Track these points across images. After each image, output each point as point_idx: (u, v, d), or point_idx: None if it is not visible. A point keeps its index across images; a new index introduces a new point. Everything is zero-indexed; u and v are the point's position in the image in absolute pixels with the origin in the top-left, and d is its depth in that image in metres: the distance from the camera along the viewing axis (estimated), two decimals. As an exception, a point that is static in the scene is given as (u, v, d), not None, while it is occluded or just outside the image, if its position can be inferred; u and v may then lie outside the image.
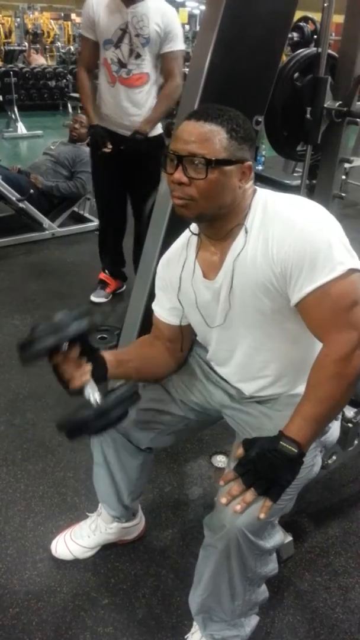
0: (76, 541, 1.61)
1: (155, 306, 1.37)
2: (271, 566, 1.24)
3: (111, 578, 1.58)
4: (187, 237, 1.26)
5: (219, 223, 1.13)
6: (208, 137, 1.03)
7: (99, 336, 2.71)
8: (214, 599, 1.23)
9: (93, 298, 3.15)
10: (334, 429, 1.31)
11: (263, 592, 1.30)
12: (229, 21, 1.51)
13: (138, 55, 2.55)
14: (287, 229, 1.06)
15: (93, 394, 1.16)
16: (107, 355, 1.27)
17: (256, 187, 1.16)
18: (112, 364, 1.26)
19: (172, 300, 1.30)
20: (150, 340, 1.40)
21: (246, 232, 1.11)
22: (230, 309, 1.18)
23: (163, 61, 2.62)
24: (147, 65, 2.58)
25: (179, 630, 1.43)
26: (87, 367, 1.19)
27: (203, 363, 1.40)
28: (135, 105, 2.64)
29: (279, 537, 1.21)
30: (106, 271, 3.20)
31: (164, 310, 1.34)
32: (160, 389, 1.40)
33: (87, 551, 1.62)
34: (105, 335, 2.72)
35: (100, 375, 1.22)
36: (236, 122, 1.06)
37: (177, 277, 1.26)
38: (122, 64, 2.56)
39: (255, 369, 1.25)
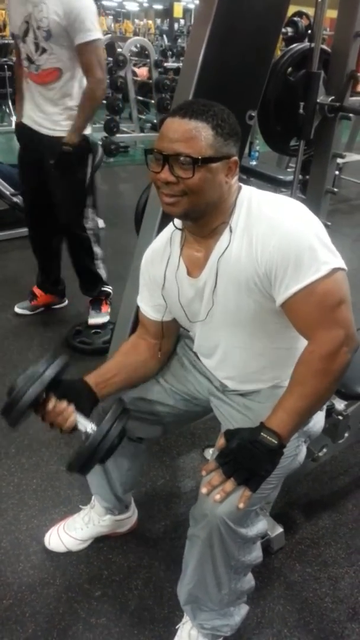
0: (69, 533, 1.62)
1: (140, 302, 1.38)
2: (255, 554, 1.26)
3: (104, 570, 1.59)
4: (170, 232, 1.26)
5: (205, 220, 1.13)
6: (193, 134, 1.02)
7: (93, 331, 2.71)
8: (200, 588, 1.24)
9: (16, 308, 2.97)
10: (319, 420, 1.33)
11: (249, 580, 1.32)
12: (223, 15, 1.51)
13: (44, 50, 2.24)
14: (271, 230, 1.06)
15: (86, 427, 1.19)
16: (92, 379, 1.30)
17: (241, 184, 1.16)
18: (99, 386, 1.29)
19: (156, 296, 1.31)
20: (135, 342, 1.40)
21: (231, 230, 1.12)
22: (212, 306, 1.19)
23: (78, 55, 2.26)
24: (56, 60, 2.25)
25: (171, 621, 1.44)
26: (70, 408, 1.21)
27: (190, 353, 1.42)
28: (50, 102, 2.35)
29: (262, 525, 1.23)
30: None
31: (148, 307, 1.35)
32: (151, 379, 1.42)
33: (80, 543, 1.63)
34: (99, 330, 2.72)
35: (87, 406, 1.25)
36: (221, 117, 1.05)
37: (161, 273, 1.27)
38: (30, 60, 2.29)
39: (238, 365, 1.28)
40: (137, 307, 1.40)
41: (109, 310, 2.83)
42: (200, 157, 1.02)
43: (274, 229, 1.06)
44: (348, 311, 1.08)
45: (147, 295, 1.34)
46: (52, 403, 1.21)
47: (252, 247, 1.08)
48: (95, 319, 2.79)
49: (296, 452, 1.26)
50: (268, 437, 1.08)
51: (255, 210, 1.11)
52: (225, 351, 1.26)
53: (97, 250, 2.70)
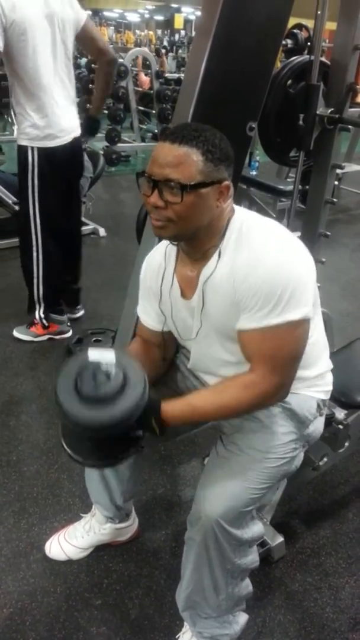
0: (70, 542, 1.62)
1: (140, 313, 1.39)
2: (251, 558, 1.27)
3: (104, 579, 1.59)
4: (165, 247, 1.28)
5: (196, 243, 1.14)
6: (183, 160, 1.03)
7: (94, 339, 2.72)
8: (198, 593, 1.25)
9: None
10: (318, 425, 1.33)
11: (246, 586, 1.32)
12: (224, 27, 1.53)
13: None
14: (253, 264, 1.07)
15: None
16: None
17: (235, 207, 1.17)
18: None
19: (155, 308, 1.32)
20: (137, 348, 1.39)
21: (219, 255, 1.13)
22: (201, 327, 1.21)
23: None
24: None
25: (172, 630, 1.44)
26: None
27: (186, 360, 1.43)
28: None
29: (257, 529, 1.25)
30: None
31: (149, 317, 1.36)
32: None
33: (81, 552, 1.63)
34: (100, 338, 2.73)
35: None
36: (212, 142, 1.05)
37: (157, 288, 1.28)
38: None
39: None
40: (137, 319, 1.41)
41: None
42: (189, 184, 1.02)
43: (255, 263, 1.07)
44: (295, 368, 1.14)
45: (148, 307, 1.35)
46: None
47: (232, 274, 1.10)
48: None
49: (292, 455, 1.26)
50: (154, 425, 1.11)
51: (243, 238, 1.11)
52: (217, 367, 1.28)
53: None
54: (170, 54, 13.10)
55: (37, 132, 2.34)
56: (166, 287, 1.26)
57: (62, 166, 2.46)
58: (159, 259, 1.29)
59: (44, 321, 2.78)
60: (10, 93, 2.39)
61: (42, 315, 2.77)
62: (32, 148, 2.36)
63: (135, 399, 1.04)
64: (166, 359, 1.40)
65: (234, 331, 1.14)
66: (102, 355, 1.09)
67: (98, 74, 2.62)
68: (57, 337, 2.81)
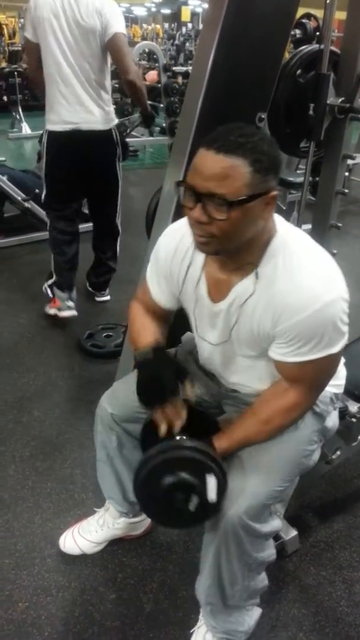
0: (84, 536, 1.63)
1: (152, 286, 1.33)
2: (268, 552, 1.27)
3: (119, 573, 1.59)
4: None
5: (234, 255, 1.08)
6: (229, 173, 0.94)
7: (105, 334, 2.73)
8: (217, 586, 1.25)
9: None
10: (333, 419, 1.33)
11: (262, 580, 1.32)
12: (232, 19, 1.52)
13: None
14: (298, 305, 1.02)
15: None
16: (159, 342, 1.30)
17: (277, 224, 1.09)
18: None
19: (173, 292, 1.29)
20: (141, 314, 1.38)
21: (257, 277, 1.08)
22: (227, 341, 1.19)
23: None
24: None
25: (186, 624, 1.44)
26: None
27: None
28: None
29: (276, 523, 1.25)
30: None
31: (162, 295, 1.32)
32: None
33: (95, 546, 1.63)
34: (110, 334, 2.73)
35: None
36: (260, 150, 0.96)
37: (181, 279, 1.23)
38: None
39: (247, 382, 1.29)
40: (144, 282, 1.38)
41: None
42: (236, 200, 0.95)
43: (300, 303, 1.02)
44: (327, 384, 1.18)
45: (164, 286, 1.30)
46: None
47: (272, 305, 1.06)
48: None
49: (312, 449, 1.26)
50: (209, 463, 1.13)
51: (287, 262, 1.05)
52: (230, 373, 1.28)
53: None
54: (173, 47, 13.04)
55: (47, 115, 2.62)
56: (191, 281, 1.21)
57: (66, 151, 2.64)
58: (187, 243, 1.20)
59: (49, 291, 2.91)
60: None
61: (47, 285, 2.92)
62: (46, 130, 2.64)
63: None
64: (166, 327, 1.39)
65: (262, 347, 1.14)
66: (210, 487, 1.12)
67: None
68: (60, 314, 2.87)
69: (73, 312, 2.89)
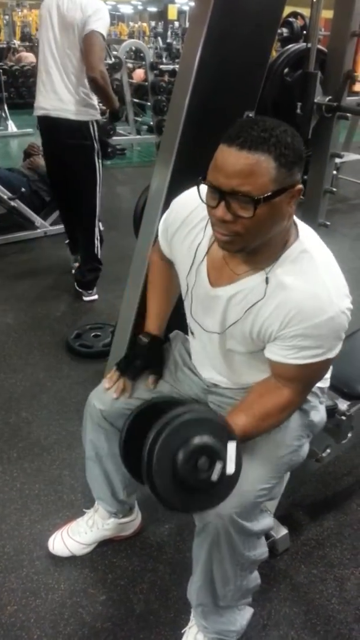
0: (73, 537, 1.62)
1: (162, 240, 1.31)
2: (260, 550, 1.27)
3: (108, 574, 1.58)
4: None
5: (250, 253, 1.06)
6: (254, 170, 0.91)
7: (93, 334, 2.71)
8: (208, 586, 1.25)
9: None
10: (320, 414, 1.33)
11: (255, 579, 1.32)
12: (219, 16, 1.51)
13: None
14: (312, 312, 1.02)
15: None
16: (155, 328, 1.42)
17: (300, 230, 1.08)
18: (160, 329, 1.44)
19: (183, 264, 1.24)
20: (159, 265, 1.39)
21: (266, 282, 1.06)
22: (220, 335, 1.19)
23: None
24: None
25: (177, 625, 1.43)
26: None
27: (185, 353, 1.43)
28: None
29: (267, 521, 1.25)
30: None
31: (167, 252, 1.31)
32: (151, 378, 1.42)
33: (84, 547, 1.62)
34: (99, 333, 2.71)
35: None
36: (284, 143, 0.92)
37: (184, 251, 1.20)
38: None
39: (232, 376, 1.29)
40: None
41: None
42: (262, 197, 0.92)
43: (315, 310, 1.01)
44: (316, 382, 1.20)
45: (177, 253, 1.25)
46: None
47: (283, 309, 1.04)
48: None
49: (298, 444, 1.26)
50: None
51: (305, 275, 1.04)
52: (218, 364, 1.28)
53: None
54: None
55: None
56: (198, 259, 1.18)
57: (43, 135, 2.89)
58: (200, 217, 1.16)
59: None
60: None
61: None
62: None
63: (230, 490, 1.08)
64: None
65: (255, 345, 1.14)
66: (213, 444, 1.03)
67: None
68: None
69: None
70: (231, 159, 0.92)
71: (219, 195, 0.95)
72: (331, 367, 1.33)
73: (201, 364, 1.35)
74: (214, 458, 1.01)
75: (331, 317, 1.01)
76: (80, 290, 3.16)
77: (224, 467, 1.02)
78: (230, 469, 1.04)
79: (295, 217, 1.09)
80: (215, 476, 1.01)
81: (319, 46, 1.86)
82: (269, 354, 1.12)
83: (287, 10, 1.90)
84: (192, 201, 1.14)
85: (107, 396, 1.38)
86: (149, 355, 1.40)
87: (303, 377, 1.12)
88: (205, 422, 1.06)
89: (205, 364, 1.33)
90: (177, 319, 1.39)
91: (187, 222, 1.19)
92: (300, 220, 1.11)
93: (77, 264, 3.24)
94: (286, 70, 1.87)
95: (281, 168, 0.92)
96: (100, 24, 2.52)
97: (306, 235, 1.09)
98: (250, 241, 1.00)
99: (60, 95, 2.65)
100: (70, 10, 2.50)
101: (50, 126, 2.76)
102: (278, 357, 1.10)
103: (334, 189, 2.06)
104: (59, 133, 2.74)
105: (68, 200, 3.08)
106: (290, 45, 1.94)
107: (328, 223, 2.08)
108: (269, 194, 0.92)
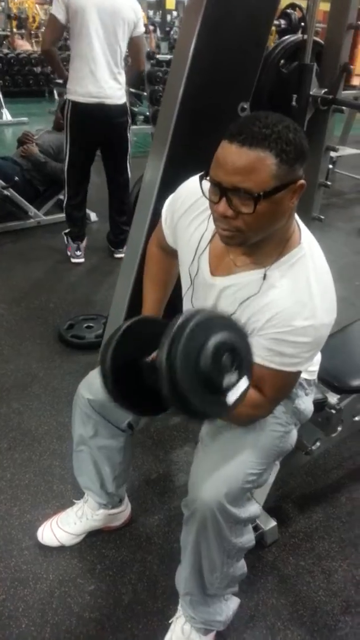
0: (62, 528, 1.62)
1: (165, 227, 1.31)
2: (246, 537, 1.28)
3: (97, 564, 1.59)
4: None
5: (250, 247, 1.06)
6: (254, 166, 0.91)
7: (86, 325, 2.70)
8: (196, 574, 1.26)
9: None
10: (307, 404, 1.34)
11: (242, 567, 1.33)
12: (214, 6, 1.50)
13: None
14: (299, 315, 1.03)
15: None
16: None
17: (302, 235, 1.09)
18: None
19: (185, 254, 1.24)
20: (156, 254, 1.39)
21: (264, 279, 1.07)
22: None
23: None
24: None
25: (165, 615, 1.44)
26: None
27: None
28: None
29: (254, 509, 1.26)
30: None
31: (170, 240, 1.31)
32: None
33: (74, 538, 1.62)
34: (91, 324, 2.71)
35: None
36: (286, 139, 0.92)
37: (194, 242, 1.20)
38: None
39: None
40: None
41: None
42: (262, 193, 0.92)
43: (302, 314, 1.02)
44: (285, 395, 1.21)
45: (181, 241, 1.25)
46: None
47: (272, 308, 1.05)
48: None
49: (284, 430, 1.27)
50: None
51: (299, 280, 1.05)
52: None
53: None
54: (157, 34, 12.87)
55: (73, 87, 3.08)
56: (201, 248, 1.18)
57: (90, 119, 3.12)
58: (206, 212, 1.15)
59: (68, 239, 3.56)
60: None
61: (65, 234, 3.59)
62: (69, 100, 3.11)
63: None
64: (172, 264, 1.37)
65: None
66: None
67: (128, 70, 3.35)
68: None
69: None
70: (232, 155, 0.92)
71: (221, 191, 0.95)
72: (320, 359, 1.34)
73: None
74: (234, 355, 0.96)
75: (311, 326, 1.02)
76: (112, 248, 3.60)
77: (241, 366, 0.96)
78: (230, 400, 0.96)
79: (298, 219, 1.10)
80: (234, 378, 0.95)
81: (316, 38, 1.85)
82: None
83: (285, 1, 1.88)
84: (199, 188, 1.12)
85: (96, 386, 1.38)
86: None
87: (278, 384, 1.12)
88: (218, 319, 1.00)
89: None
90: (173, 309, 1.38)
91: (193, 207, 1.19)
92: (302, 223, 1.11)
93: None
94: (282, 61, 1.85)
95: (282, 164, 0.92)
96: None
97: (308, 242, 1.09)
98: (251, 236, 1.01)
99: (111, 85, 3.09)
100: (125, 10, 2.93)
101: (102, 112, 3.09)
102: (255, 357, 1.08)
103: (329, 183, 2.06)
104: (110, 117, 3.14)
105: (106, 173, 3.43)
106: (286, 37, 1.92)
107: (322, 217, 2.08)
108: (270, 190, 0.93)
